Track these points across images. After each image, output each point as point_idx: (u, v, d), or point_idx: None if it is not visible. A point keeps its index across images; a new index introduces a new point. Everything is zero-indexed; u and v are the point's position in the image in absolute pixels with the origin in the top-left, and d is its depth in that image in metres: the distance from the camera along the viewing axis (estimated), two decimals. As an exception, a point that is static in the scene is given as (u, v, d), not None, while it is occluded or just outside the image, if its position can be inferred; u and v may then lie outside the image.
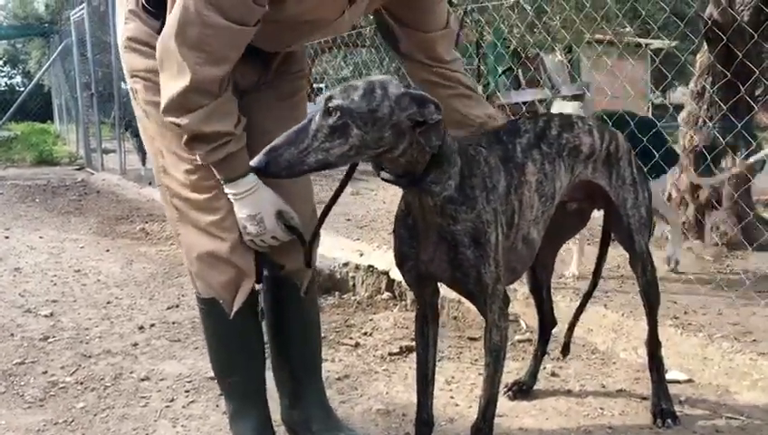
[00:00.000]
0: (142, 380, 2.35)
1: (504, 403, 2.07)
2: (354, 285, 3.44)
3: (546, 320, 2.16)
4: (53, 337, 2.82)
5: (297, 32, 1.63)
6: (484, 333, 1.53)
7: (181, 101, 1.44)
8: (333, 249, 3.72)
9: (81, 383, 2.33)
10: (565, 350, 2.14)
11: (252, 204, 1.54)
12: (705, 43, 3.67)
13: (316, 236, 1.67)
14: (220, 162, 1.52)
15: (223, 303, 1.65)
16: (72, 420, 2.05)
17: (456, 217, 1.41)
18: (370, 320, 2.94)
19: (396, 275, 3.22)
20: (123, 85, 10.89)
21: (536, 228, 1.64)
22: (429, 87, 1.68)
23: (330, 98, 1.25)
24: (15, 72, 33.50)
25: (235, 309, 1.65)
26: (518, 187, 1.56)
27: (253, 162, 1.24)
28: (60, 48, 13.43)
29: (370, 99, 1.25)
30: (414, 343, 1.77)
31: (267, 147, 1.24)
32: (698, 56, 3.81)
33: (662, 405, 1.92)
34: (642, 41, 7.61)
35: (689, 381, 2.19)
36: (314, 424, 1.80)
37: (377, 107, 1.25)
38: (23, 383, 2.34)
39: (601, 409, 2.03)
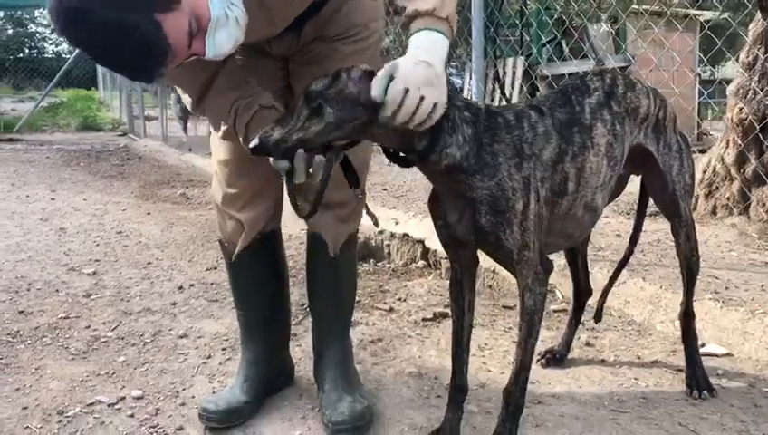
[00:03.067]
0: (180, 337, 2.41)
1: (536, 371, 2.07)
2: (389, 253, 3.45)
3: (580, 289, 2.14)
4: (96, 294, 2.90)
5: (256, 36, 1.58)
6: (519, 297, 1.52)
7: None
8: (369, 217, 3.72)
9: (122, 338, 2.40)
10: (598, 316, 2.13)
11: None
12: (758, 12, 3.53)
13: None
14: (245, 127, 1.58)
15: (226, 246, 1.87)
16: (114, 373, 2.12)
17: (470, 185, 1.41)
18: (405, 286, 2.95)
19: (431, 243, 3.22)
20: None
21: (602, 193, 1.62)
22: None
23: (309, 86, 1.37)
24: (62, 39, 34.07)
25: (235, 252, 1.84)
26: (579, 152, 1.53)
27: (250, 143, 1.36)
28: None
29: (338, 82, 1.35)
30: (447, 310, 1.77)
31: (261, 129, 1.37)
32: (751, 26, 3.68)
33: (698, 377, 1.89)
34: (692, 12, 7.38)
35: (728, 355, 2.16)
36: (327, 383, 1.84)
37: (343, 87, 1.34)
38: (67, 336, 2.42)
39: (636, 379, 2.01)
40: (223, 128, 1.68)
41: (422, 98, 1.28)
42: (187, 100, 1.66)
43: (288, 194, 1.47)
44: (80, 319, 2.60)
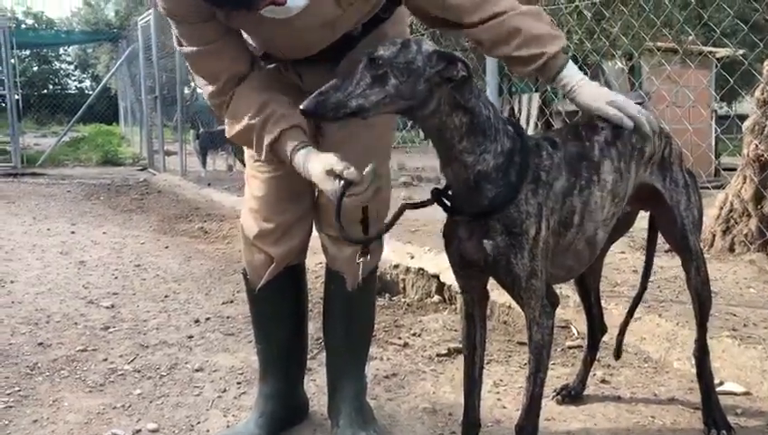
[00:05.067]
0: (196, 370, 2.42)
1: (552, 408, 2.06)
2: (404, 288, 3.46)
3: (595, 325, 2.14)
4: (114, 327, 2.93)
5: (294, 41, 1.63)
6: (527, 331, 1.53)
7: (218, 115, 1.72)
8: (384, 251, 3.73)
9: (139, 371, 2.42)
10: (617, 353, 2.12)
11: (311, 173, 1.55)
12: (772, 50, 3.56)
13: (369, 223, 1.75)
14: (271, 152, 1.62)
15: (250, 278, 1.89)
16: (130, 406, 2.13)
17: (491, 199, 1.42)
18: (419, 321, 2.95)
19: (446, 278, 3.23)
20: (186, 89, 11.22)
21: (604, 229, 1.65)
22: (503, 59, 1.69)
23: (372, 51, 1.36)
24: (85, 75, 34.81)
25: (260, 284, 1.86)
26: (585, 187, 1.55)
27: (302, 105, 1.33)
28: (126, 53, 13.91)
29: (407, 52, 1.36)
30: (461, 345, 1.78)
31: (316, 92, 1.34)
32: (765, 63, 3.70)
33: (715, 416, 1.87)
34: (706, 48, 7.42)
35: (747, 393, 2.13)
36: (342, 418, 1.84)
37: (412, 59, 1.36)
38: (85, 369, 2.44)
39: (652, 417, 1.99)
40: (237, 127, 1.64)
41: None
42: (207, 89, 1.66)
43: (337, 215, 1.48)
44: (97, 352, 2.63)
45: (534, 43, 1.54)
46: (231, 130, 1.66)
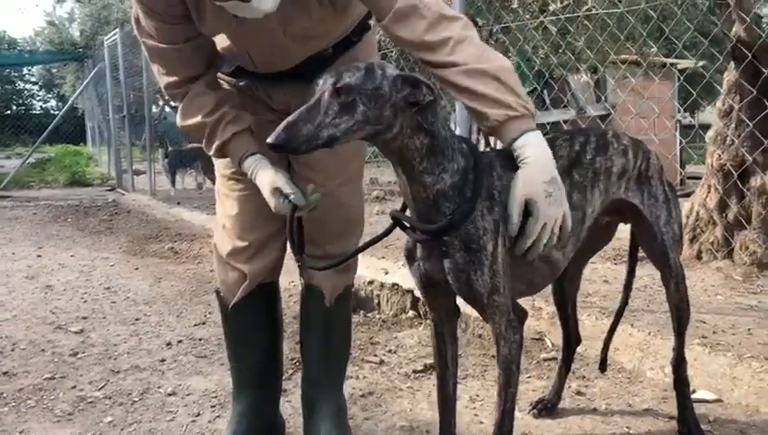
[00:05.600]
0: (169, 395, 2.38)
1: (528, 421, 2.06)
2: (379, 304, 3.45)
3: (571, 337, 2.15)
4: (83, 353, 2.87)
5: (264, 49, 1.65)
6: (495, 345, 1.52)
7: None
8: (358, 267, 3.72)
9: (110, 398, 2.37)
10: (602, 366, 2.12)
11: (258, 182, 1.65)
12: (731, 62, 3.64)
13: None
14: (220, 151, 1.68)
15: (224, 296, 1.88)
16: (100, 434, 2.08)
17: (449, 216, 1.41)
18: (395, 338, 2.94)
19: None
20: (154, 108, 11.13)
21: (560, 251, 1.62)
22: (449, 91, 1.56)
23: (338, 78, 1.32)
24: (50, 96, 34.36)
25: (233, 302, 1.85)
26: None
27: (271, 139, 1.28)
28: (93, 72, 13.75)
29: (373, 78, 1.33)
30: (435, 362, 1.77)
31: (284, 123, 1.29)
32: (725, 75, 3.79)
33: (689, 424, 1.89)
34: (668, 60, 7.57)
35: (718, 400, 2.16)
36: None
37: (379, 85, 1.33)
38: (52, 398, 2.39)
39: (627, 428, 2.01)
40: (190, 122, 1.69)
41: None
42: (163, 78, 1.70)
43: (290, 232, 1.62)
44: (66, 379, 2.57)
45: (483, 103, 1.43)
46: (183, 122, 1.71)
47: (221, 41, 1.68)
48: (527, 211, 1.43)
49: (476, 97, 1.42)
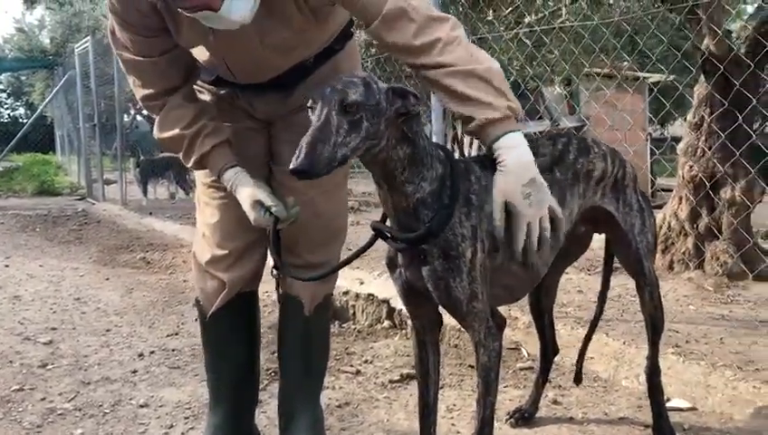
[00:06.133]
0: (141, 406, 2.33)
1: (506, 431, 2.06)
2: (354, 314, 3.43)
3: (548, 347, 2.15)
4: (52, 364, 2.80)
5: (242, 61, 1.63)
6: (474, 354, 1.52)
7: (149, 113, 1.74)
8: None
9: (80, 410, 2.31)
10: (578, 378, 2.13)
11: (238, 196, 1.65)
12: (702, 75, 3.71)
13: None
14: (199, 164, 1.68)
15: (202, 305, 1.87)
16: (70, 447, 2.03)
17: (428, 224, 1.41)
18: (371, 348, 2.92)
19: (396, 303, 3.21)
20: (125, 117, 10.99)
21: (540, 255, 1.62)
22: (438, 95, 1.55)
23: (343, 95, 1.29)
24: (19, 103, 33.82)
25: (211, 310, 1.84)
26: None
27: (293, 165, 1.23)
28: (63, 80, 13.57)
29: (373, 93, 1.32)
30: (415, 371, 1.76)
31: (304, 148, 1.24)
32: (696, 88, 3.86)
33: (665, 432, 1.90)
34: (640, 74, 7.70)
35: (692, 409, 2.18)
36: None
37: (378, 100, 1.33)
38: (20, 410, 2.32)
39: (604, 436, 2.01)
40: (167, 134, 1.68)
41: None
42: (139, 91, 1.68)
43: (273, 244, 1.63)
44: (34, 391, 2.50)
45: (468, 106, 1.43)
46: (160, 134, 1.69)
47: (200, 53, 1.65)
48: (510, 213, 1.43)
49: (463, 99, 1.42)
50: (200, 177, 1.82)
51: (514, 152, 1.41)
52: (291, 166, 1.23)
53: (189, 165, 1.70)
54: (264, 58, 1.60)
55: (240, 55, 1.60)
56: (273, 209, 1.61)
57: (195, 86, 1.74)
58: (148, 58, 1.61)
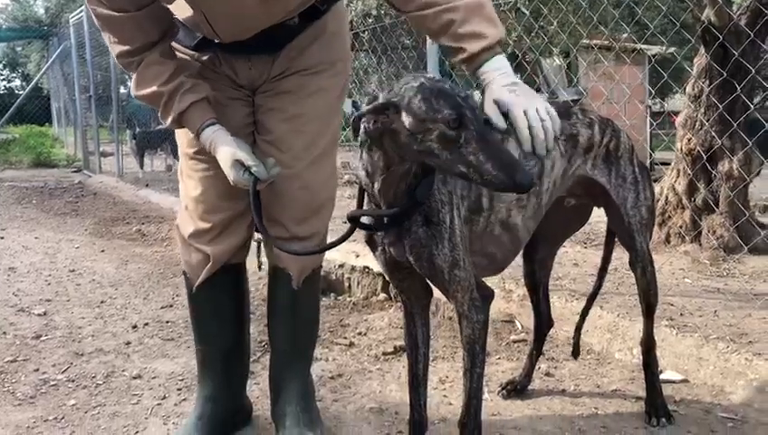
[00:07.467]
0: (134, 378, 2.34)
1: (498, 402, 2.06)
2: (350, 286, 3.43)
3: (543, 320, 2.15)
4: (46, 335, 2.80)
5: (224, 13, 1.58)
6: (459, 325, 1.51)
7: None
8: (329, 251, 3.70)
9: (73, 381, 2.32)
10: (575, 352, 2.13)
11: (217, 155, 1.62)
12: (701, 46, 3.67)
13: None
14: (177, 122, 1.63)
15: (189, 277, 1.85)
16: (63, 418, 2.03)
17: (417, 194, 1.39)
18: (365, 320, 2.92)
19: (391, 275, 3.21)
20: (122, 89, 10.89)
21: (520, 213, 1.60)
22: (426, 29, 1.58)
23: (487, 121, 1.33)
24: (14, 75, 33.54)
25: (197, 283, 1.82)
26: None
27: (524, 182, 1.23)
28: (58, 51, 13.43)
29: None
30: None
31: (521, 165, 1.26)
32: (695, 59, 3.81)
33: (656, 404, 1.90)
34: (640, 46, 7.62)
35: (684, 381, 2.18)
36: (288, 419, 1.80)
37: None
38: (14, 381, 2.33)
39: (596, 408, 2.02)
40: (145, 91, 1.63)
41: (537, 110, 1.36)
42: (116, 47, 1.62)
43: (254, 206, 1.59)
44: (28, 362, 2.50)
45: (460, 38, 1.46)
46: (137, 91, 1.64)
47: (180, 10, 1.60)
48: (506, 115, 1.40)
49: (456, 36, 1.45)
50: (183, 147, 1.78)
51: (497, 68, 1.45)
52: (522, 181, 1.21)
53: (168, 123, 1.65)
54: (246, 9, 1.54)
55: (221, 8, 1.54)
56: (253, 169, 1.57)
57: (176, 53, 1.69)
58: (123, 13, 1.55)
